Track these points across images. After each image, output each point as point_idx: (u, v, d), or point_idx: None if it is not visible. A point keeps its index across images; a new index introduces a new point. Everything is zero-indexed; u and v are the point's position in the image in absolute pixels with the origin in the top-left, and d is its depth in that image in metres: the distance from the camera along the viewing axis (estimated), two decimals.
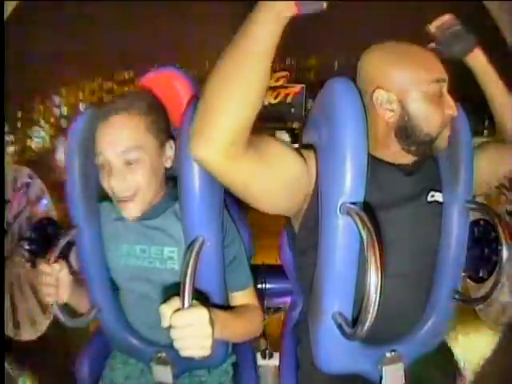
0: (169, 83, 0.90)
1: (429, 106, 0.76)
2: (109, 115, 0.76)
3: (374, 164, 0.77)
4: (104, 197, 0.88)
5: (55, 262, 0.78)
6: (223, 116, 0.58)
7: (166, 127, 0.83)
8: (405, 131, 0.78)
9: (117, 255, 0.87)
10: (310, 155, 0.76)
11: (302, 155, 0.75)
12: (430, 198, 0.81)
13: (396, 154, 0.81)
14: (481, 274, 1.39)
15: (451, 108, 0.77)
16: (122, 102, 0.78)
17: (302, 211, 0.81)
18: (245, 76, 0.56)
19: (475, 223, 1.40)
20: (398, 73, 0.76)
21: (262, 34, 0.55)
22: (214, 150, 0.59)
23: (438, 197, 0.81)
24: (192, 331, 0.60)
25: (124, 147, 0.75)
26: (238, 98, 0.57)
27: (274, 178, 0.70)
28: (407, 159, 0.81)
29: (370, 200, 0.72)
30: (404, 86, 0.76)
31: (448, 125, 0.79)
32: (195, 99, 0.79)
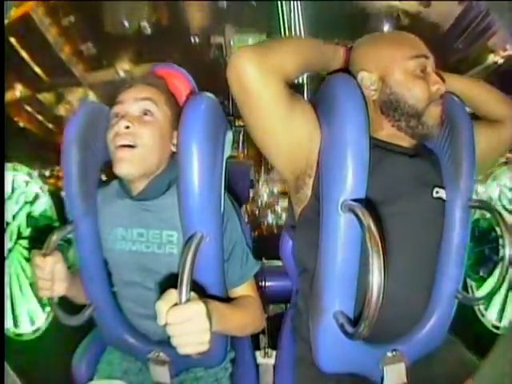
0: (169, 81, 0.90)
1: (410, 80, 0.78)
2: (135, 83, 0.83)
3: (376, 147, 0.76)
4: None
5: (50, 255, 0.78)
6: (291, 55, 0.74)
7: (177, 116, 0.84)
8: (390, 105, 0.81)
9: (112, 240, 0.86)
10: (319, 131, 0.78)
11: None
12: (435, 195, 0.80)
13: (392, 136, 0.82)
14: (481, 274, 1.39)
15: (437, 83, 0.79)
16: (149, 78, 0.86)
17: (300, 195, 0.81)
18: (314, 55, 0.81)
19: (475, 222, 1.39)
20: (377, 53, 0.81)
21: (326, 57, 0.85)
22: (266, 65, 0.70)
23: (443, 194, 0.81)
24: (189, 327, 0.59)
25: (143, 96, 0.81)
26: (304, 57, 0.77)
27: (290, 123, 0.74)
28: (406, 141, 0.82)
29: (373, 190, 0.72)
30: (383, 64, 0.80)
31: (438, 103, 0.80)
32: (193, 96, 0.79)
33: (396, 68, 0.79)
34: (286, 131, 0.75)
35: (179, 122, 0.76)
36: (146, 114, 0.80)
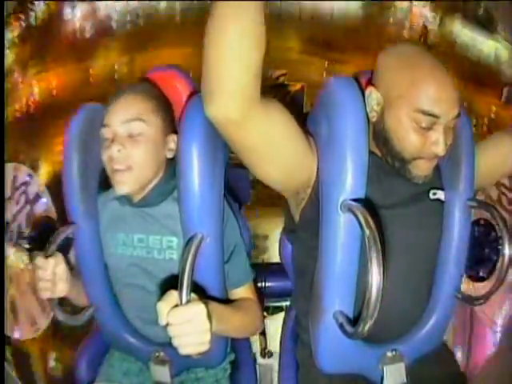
0: (169, 83, 0.90)
1: (407, 129, 0.71)
2: (120, 95, 0.80)
3: (375, 160, 0.76)
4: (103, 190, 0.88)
5: (51, 256, 0.78)
6: (232, 64, 0.55)
7: (171, 121, 0.85)
8: (379, 138, 0.77)
9: (113, 245, 0.87)
10: (312, 146, 0.76)
11: (308, 139, 0.74)
12: (432, 196, 0.80)
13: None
14: (481, 274, 1.39)
15: (436, 146, 0.70)
16: (133, 87, 0.82)
17: (300, 205, 0.81)
18: (240, 22, 0.54)
19: (475, 222, 1.39)
20: (394, 80, 0.72)
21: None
22: (230, 103, 0.58)
23: (440, 195, 0.81)
24: (189, 327, 0.59)
25: (130, 116, 0.78)
26: (239, 44, 0.54)
27: (281, 147, 0.69)
28: None
29: (372, 198, 0.72)
30: (392, 97, 0.72)
31: (431, 160, 0.74)
32: (193, 97, 0.79)
33: (398, 110, 0.71)
34: (279, 155, 0.70)
35: (175, 123, 0.76)
36: (135, 135, 0.79)
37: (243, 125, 0.61)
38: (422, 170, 0.75)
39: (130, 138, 0.78)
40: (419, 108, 0.69)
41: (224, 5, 0.54)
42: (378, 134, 0.77)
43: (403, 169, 0.76)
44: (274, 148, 0.68)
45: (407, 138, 0.72)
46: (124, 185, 0.79)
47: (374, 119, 0.76)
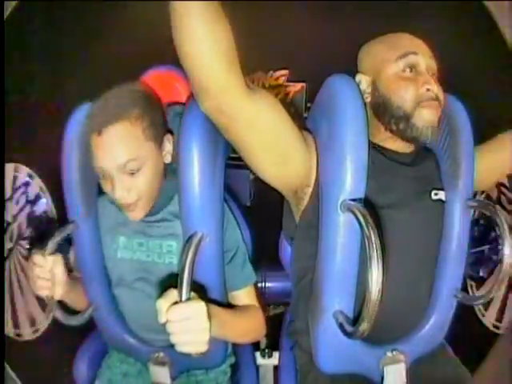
0: (169, 83, 0.90)
1: (397, 81, 0.78)
2: (102, 127, 0.70)
3: (375, 155, 0.77)
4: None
5: (51, 255, 0.77)
6: (205, 47, 0.58)
7: (163, 122, 0.80)
8: (378, 107, 0.81)
9: (113, 248, 0.86)
10: (311, 143, 0.77)
11: (305, 135, 0.78)
12: (434, 197, 0.81)
13: (388, 140, 0.82)
14: (481, 274, 1.39)
15: (427, 83, 0.76)
16: (114, 108, 0.72)
17: (300, 205, 0.81)
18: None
19: (475, 222, 1.39)
20: (371, 56, 0.83)
21: None
22: (215, 98, 0.63)
23: (441, 195, 0.81)
24: (189, 325, 0.59)
25: (124, 160, 0.72)
26: (204, 29, 0.57)
27: (272, 135, 0.70)
28: (403, 145, 0.82)
29: (370, 195, 0.72)
30: (375, 67, 0.81)
31: (430, 105, 0.77)
32: (193, 98, 0.79)
33: (384, 70, 0.79)
34: (269, 146, 0.71)
35: (166, 121, 0.75)
36: (134, 170, 0.74)
37: (233, 114, 0.65)
38: (426, 119, 0.77)
39: (130, 175, 0.74)
40: (399, 54, 0.78)
41: (179, 7, 0.56)
42: (377, 106, 0.81)
43: (409, 127, 0.77)
44: (266, 136, 0.70)
45: (400, 86, 0.77)
46: (136, 213, 0.78)
47: (368, 99, 0.82)
